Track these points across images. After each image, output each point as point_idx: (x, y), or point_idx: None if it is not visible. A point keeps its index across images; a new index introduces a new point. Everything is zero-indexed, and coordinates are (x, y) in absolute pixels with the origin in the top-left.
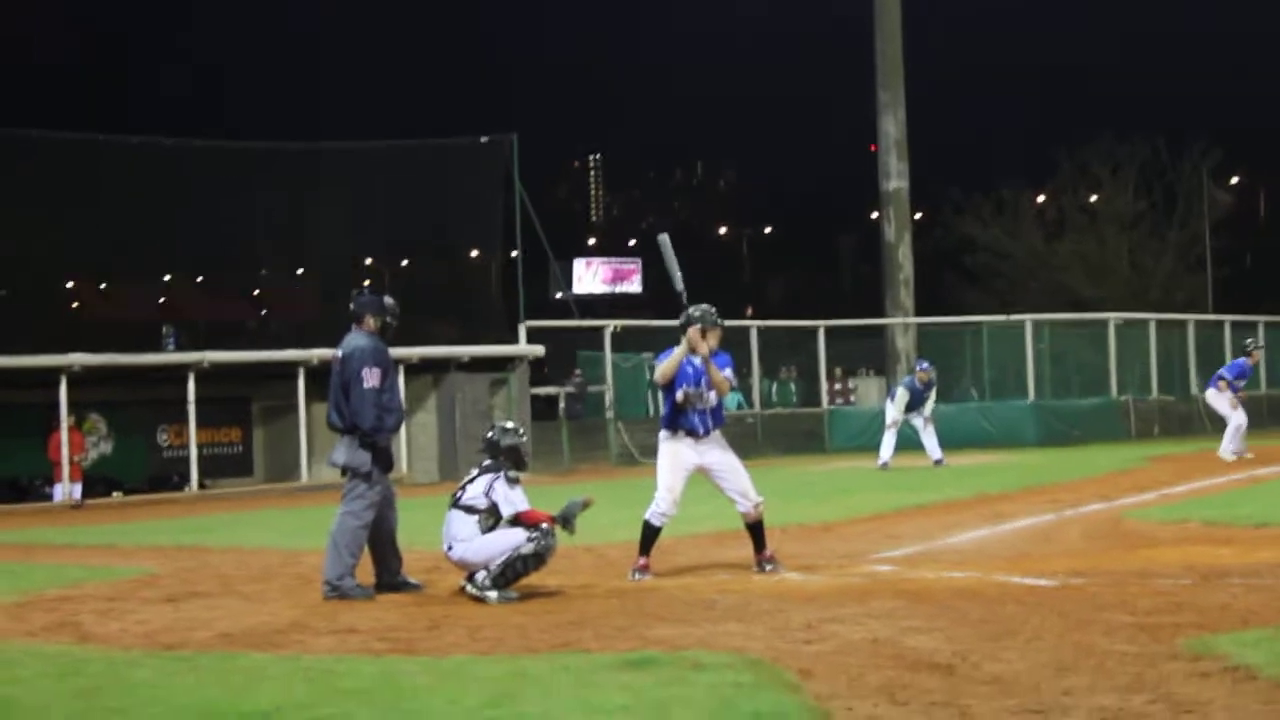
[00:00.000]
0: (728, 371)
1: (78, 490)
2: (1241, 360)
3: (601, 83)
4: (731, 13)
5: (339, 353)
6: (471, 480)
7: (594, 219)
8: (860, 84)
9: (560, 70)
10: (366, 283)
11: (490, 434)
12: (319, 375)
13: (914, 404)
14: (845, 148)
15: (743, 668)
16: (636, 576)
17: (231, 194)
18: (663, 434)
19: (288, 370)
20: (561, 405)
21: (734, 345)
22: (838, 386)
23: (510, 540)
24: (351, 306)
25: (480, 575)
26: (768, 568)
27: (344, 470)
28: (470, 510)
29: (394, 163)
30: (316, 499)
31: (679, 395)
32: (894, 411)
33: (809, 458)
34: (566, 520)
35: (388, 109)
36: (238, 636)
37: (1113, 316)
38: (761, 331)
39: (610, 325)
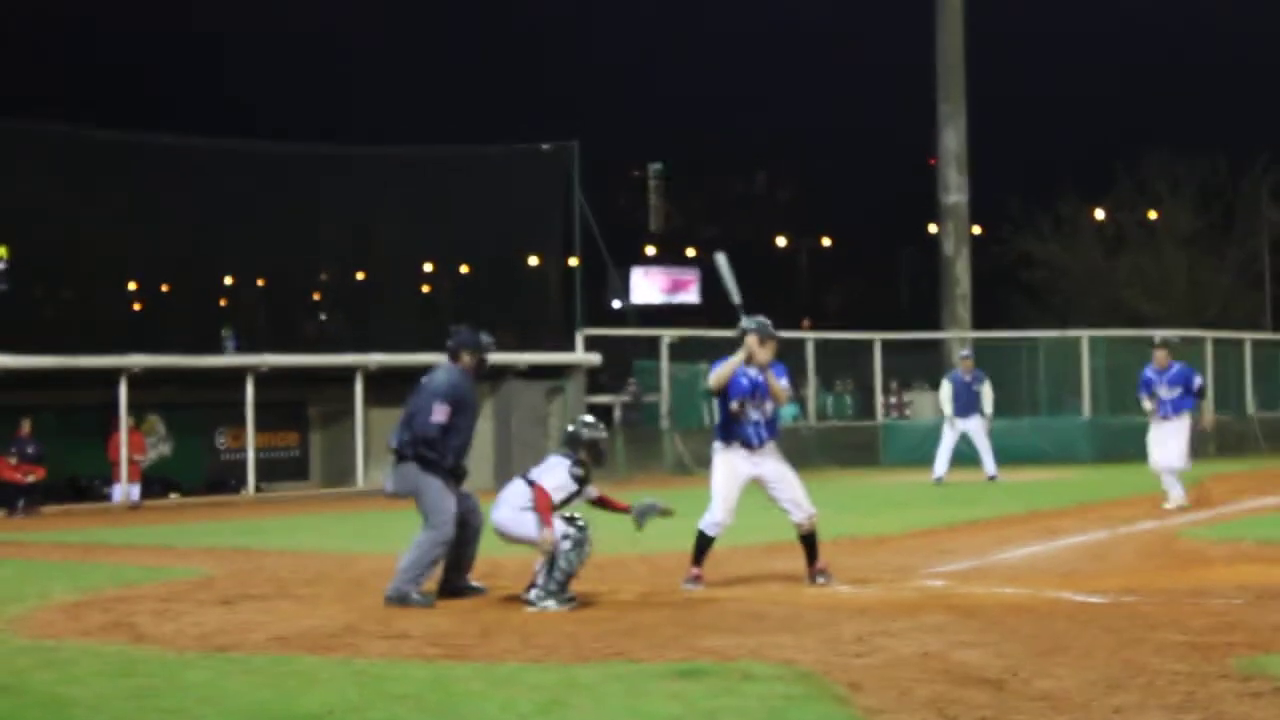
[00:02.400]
0: (784, 381)
1: (136, 491)
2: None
3: (663, 91)
4: (793, 25)
5: (423, 379)
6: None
7: (653, 228)
8: (922, 97)
9: (622, 78)
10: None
11: (571, 428)
12: (376, 380)
13: (965, 404)
14: (906, 161)
15: (793, 679)
16: (689, 586)
17: (294, 197)
18: (717, 445)
19: (345, 375)
20: (617, 414)
21: (790, 357)
22: (893, 400)
23: (536, 529)
24: (448, 342)
25: (534, 592)
26: (820, 580)
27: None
28: (531, 484)
29: (456, 169)
30: (372, 504)
31: (734, 405)
32: (945, 406)
33: (863, 470)
34: (642, 514)
35: (451, 115)
36: (291, 639)
37: (1170, 334)
38: (818, 343)
39: (667, 335)
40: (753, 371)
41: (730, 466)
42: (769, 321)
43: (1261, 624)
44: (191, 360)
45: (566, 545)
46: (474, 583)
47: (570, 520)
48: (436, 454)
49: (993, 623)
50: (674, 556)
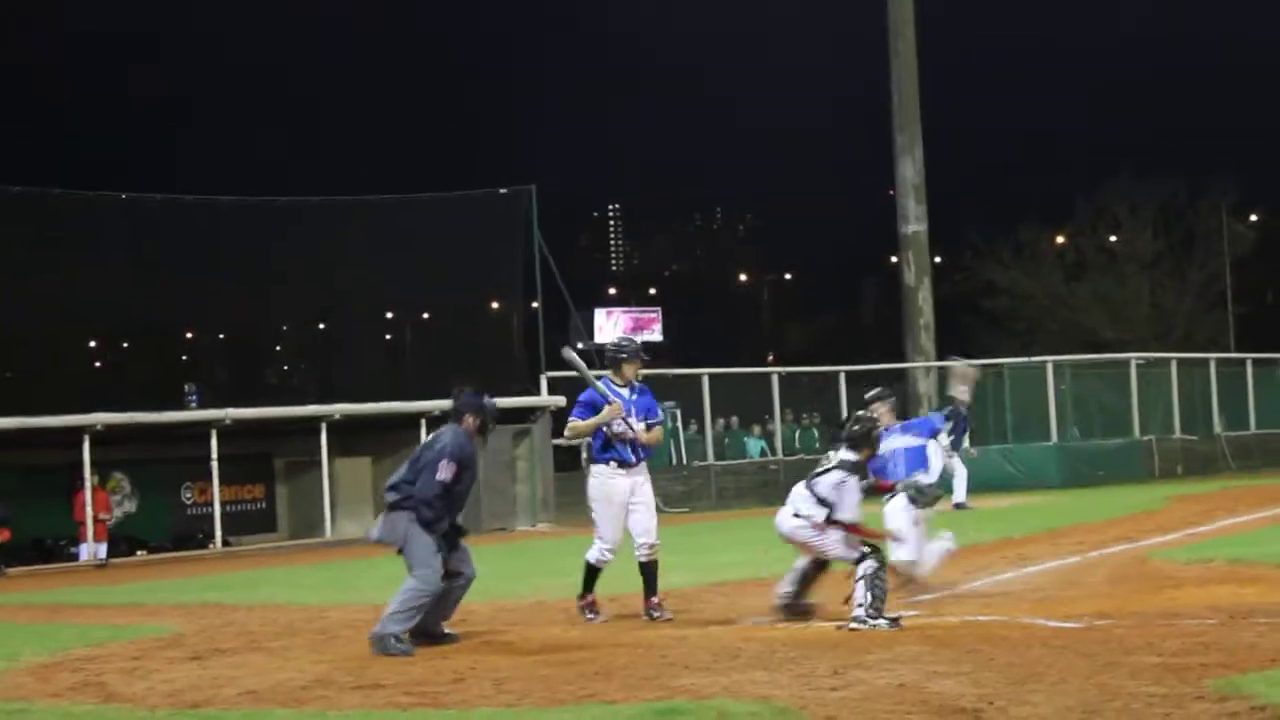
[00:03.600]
0: (656, 431)
1: (103, 550)
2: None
3: (620, 132)
4: (751, 60)
5: (426, 440)
6: (827, 471)
7: (614, 268)
8: (879, 128)
9: (577, 120)
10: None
11: (856, 427)
12: (341, 430)
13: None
14: (865, 193)
15: (769, 715)
16: (590, 617)
17: (252, 249)
18: (595, 468)
19: (310, 426)
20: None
21: (756, 392)
22: None
23: (845, 548)
24: (452, 404)
25: (859, 611)
26: (656, 614)
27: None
28: (822, 501)
29: (413, 216)
30: (340, 554)
31: (608, 431)
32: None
33: None
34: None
35: (407, 163)
36: (263, 694)
37: (1134, 357)
38: (783, 378)
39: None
40: (626, 393)
41: (610, 488)
42: (634, 339)
43: (1235, 644)
44: (155, 416)
45: (873, 567)
46: (447, 630)
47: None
48: (434, 513)
49: (967, 652)
50: (639, 596)
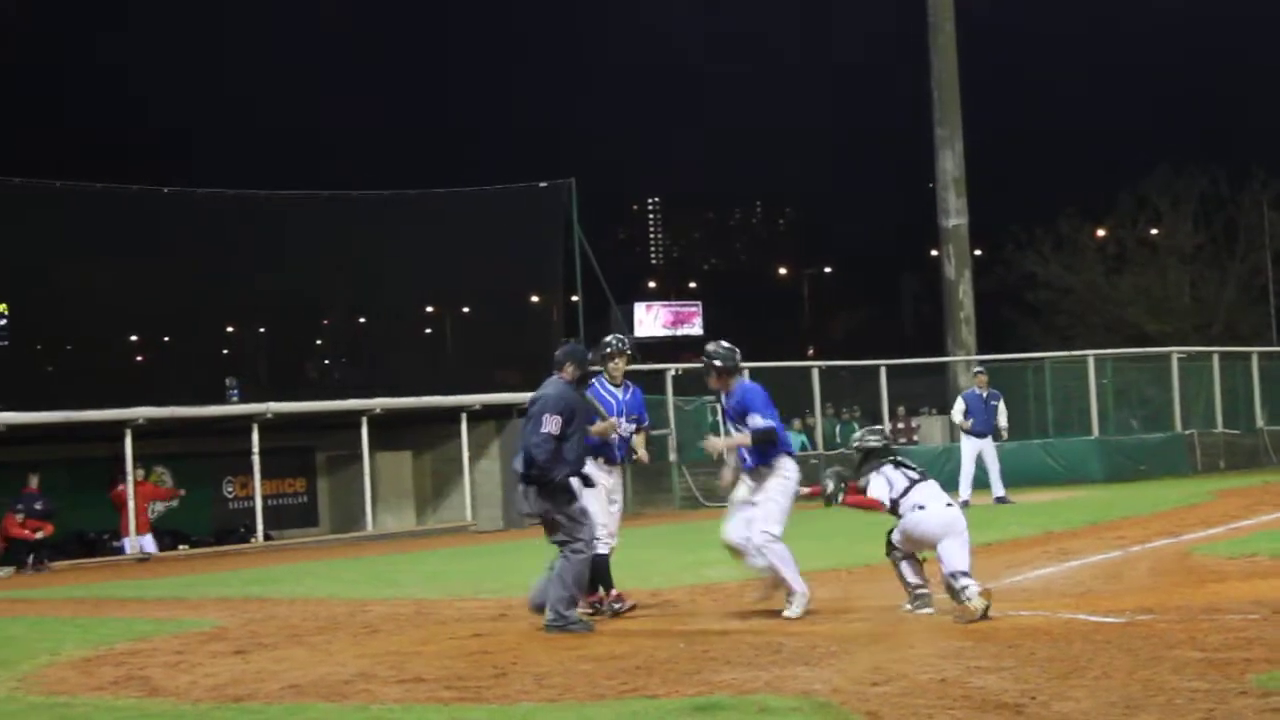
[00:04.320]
0: (637, 440)
1: (147, 542)
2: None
3: (660, 125)
4: (789, 51)
5: (531, 398)
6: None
7: (654, 261)
8: (920, 120)
9: (618, 113)
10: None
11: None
12: (382, 424)
13: (983, 422)
14: (906, 185)
15: (810, 711)
16: (617, 606)
17: (293, 243)
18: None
19: (351, 420)
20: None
21: (796, 386)
22: (900, 425)
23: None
24: (556, 354)
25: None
26: (617, 606)
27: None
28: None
29: (454, 209)
30: (382, 548)
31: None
32: (957, 418)
33: None
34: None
35: (449, 156)
36: (306, 688)
37: (1176, 351)
38: (823, 372)
39: (672, 369)
40: (619, 393)
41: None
42: (622, 337)
43: (1279, 639)
44: (196, 411)
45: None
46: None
47: None
48: (549, 466)
49: (1009, 646)
50: (687, 590)
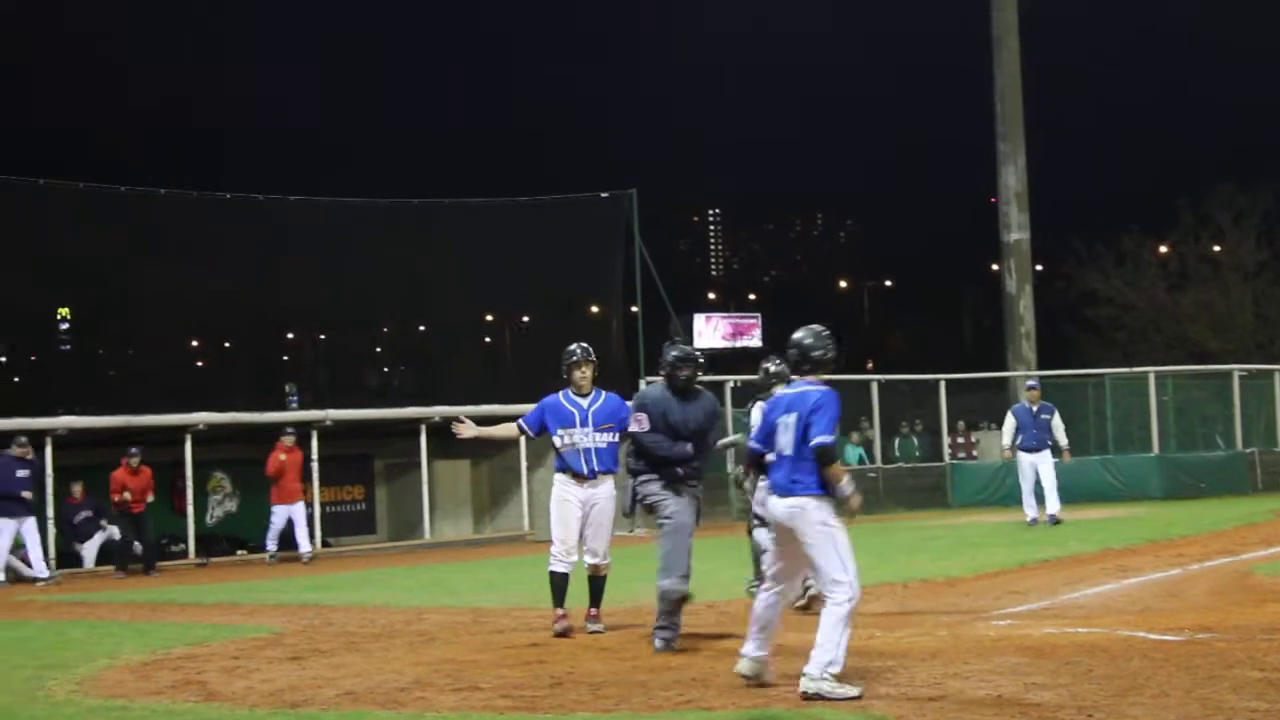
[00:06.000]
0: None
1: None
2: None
3: (720, 136)
4: (852, 65)
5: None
6: None
7: (714, 273)
8: (982, 135)
9: (679, 124)
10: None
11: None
12: (440, 432)
13: (1035, 437)
14: (967, 199)
15: None
16: (559, 626)
17: (353, 251)
18: (556, 476)
19: (410, 427)
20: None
21: (854, 398)
22: (960, 440)
23: None
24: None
25: None
26: (591, 626)
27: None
28: None
29: (515, 219)
30: (439, 556)
31: (558, 442)
32: (1005, 439)
33: (931, 513)
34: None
35: (511, 165)
36: (362, 695)
37: (1237, 368)
38: (882, 385)
39: (731, 380)
40: (583, 402)
41: (563, 500)
42: (585, 345)
43: None
44: (256, 416)
45: None
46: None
47: None
48: (639, 464)
49: (1066, 663)
50: (740, 603)
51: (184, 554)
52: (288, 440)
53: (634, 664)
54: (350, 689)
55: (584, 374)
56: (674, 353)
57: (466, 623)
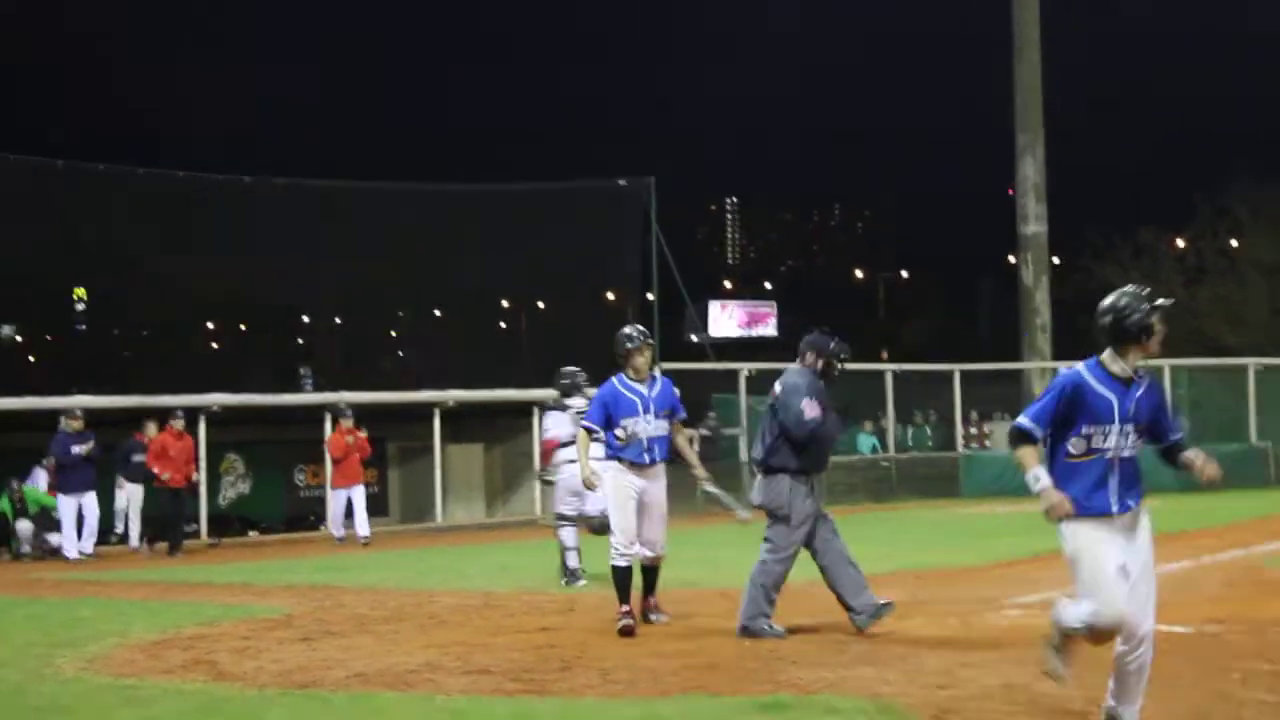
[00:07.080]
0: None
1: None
2: None
3: (738, 126)
4: (869, 54)
5: (776, 388)
6: None
7: (731, 261)
8: (1000, 126)
9: (697, 113)
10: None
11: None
12: (454, 417)
13: None
14: (983, 191)
15: (875, 713)
16: (625, 621)
17: (369, 234)
18: (610, 464)
19: (423, 411)
20: (696, 447)
21: (869, 389)
22: (973, 431)
23: None
24: (800, 344)
25: None
26: (653, 617)
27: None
28: None
29: (533, 205)
30: (450, 540)
31: (619, 432)
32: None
33: (943, 502)
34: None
35: (528, 151)
36: (371, 676)
37: (1252, 362)
38: (897, 375)
39: (745, 368)
40: (643, 389)
41: (620, 488)
42: (640, 328)
43: None
44: (270, 398)
45: None
46: (880, 599)
47: None
48: (807, 458)
49: (1075, 654)
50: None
51: (196, 534)
52: (347, 422)
53: (644, 649)
54: (360, 670)
55: (645, 358)
56: (835, 341)
57: (477, 606)
